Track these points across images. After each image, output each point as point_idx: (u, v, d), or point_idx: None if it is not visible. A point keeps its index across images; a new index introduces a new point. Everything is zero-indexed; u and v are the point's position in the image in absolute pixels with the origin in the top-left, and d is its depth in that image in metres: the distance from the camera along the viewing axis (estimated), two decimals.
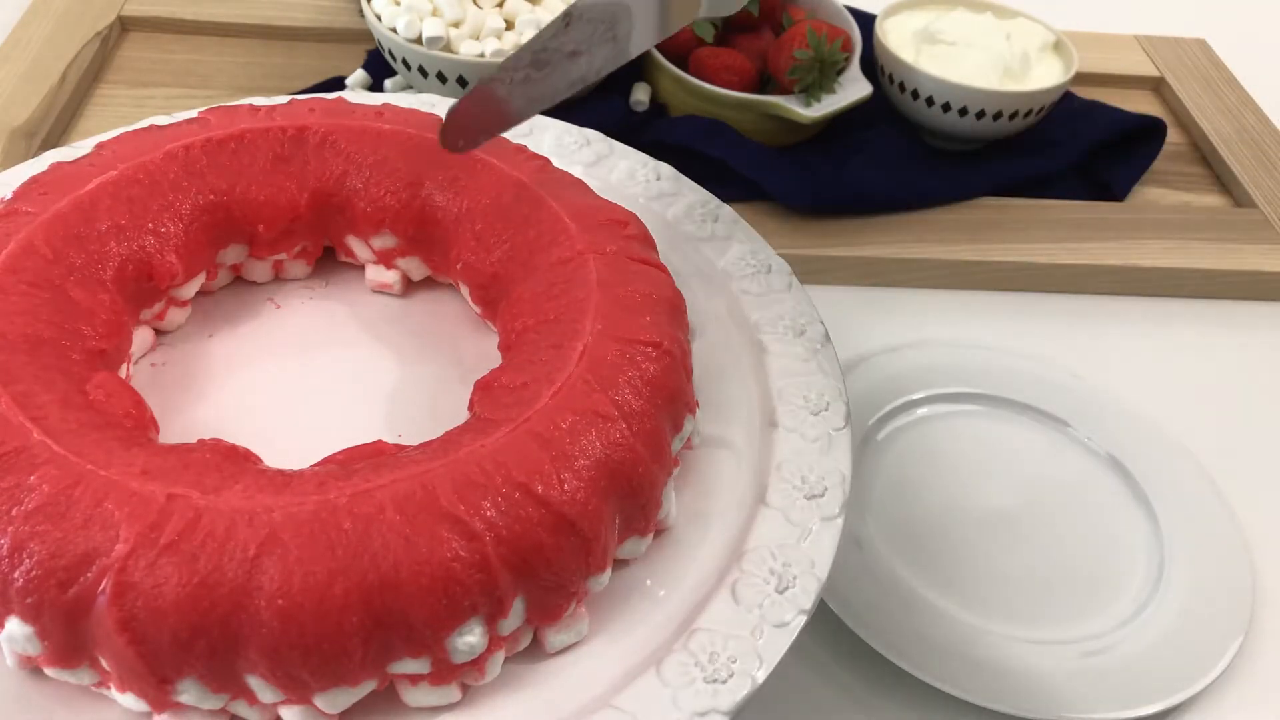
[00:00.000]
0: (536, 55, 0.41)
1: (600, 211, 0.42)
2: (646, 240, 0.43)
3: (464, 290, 0.44)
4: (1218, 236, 0.67)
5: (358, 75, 0.71)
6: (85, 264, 0.39)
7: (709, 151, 0.64)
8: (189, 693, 0.31)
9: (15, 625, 0.31)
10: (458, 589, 0.31)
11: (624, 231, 0.42)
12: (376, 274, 0.46)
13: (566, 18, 0.40)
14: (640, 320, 0.38)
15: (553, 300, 0.39)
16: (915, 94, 0.69)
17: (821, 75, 0.65)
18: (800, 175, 0.65)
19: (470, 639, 0.31)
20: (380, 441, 0.36)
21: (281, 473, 0.33)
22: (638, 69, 0.72)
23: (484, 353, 0.44)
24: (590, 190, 0.44)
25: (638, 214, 0.44)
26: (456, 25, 0.64)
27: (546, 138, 0.52)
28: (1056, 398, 0.57)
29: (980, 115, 0.67)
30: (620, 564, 0.37)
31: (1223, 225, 0.68)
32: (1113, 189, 0.70)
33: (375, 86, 0.70)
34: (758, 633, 0.34)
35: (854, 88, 0.67)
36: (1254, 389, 0.61)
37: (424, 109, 0.51)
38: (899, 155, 0.68)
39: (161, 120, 0.49)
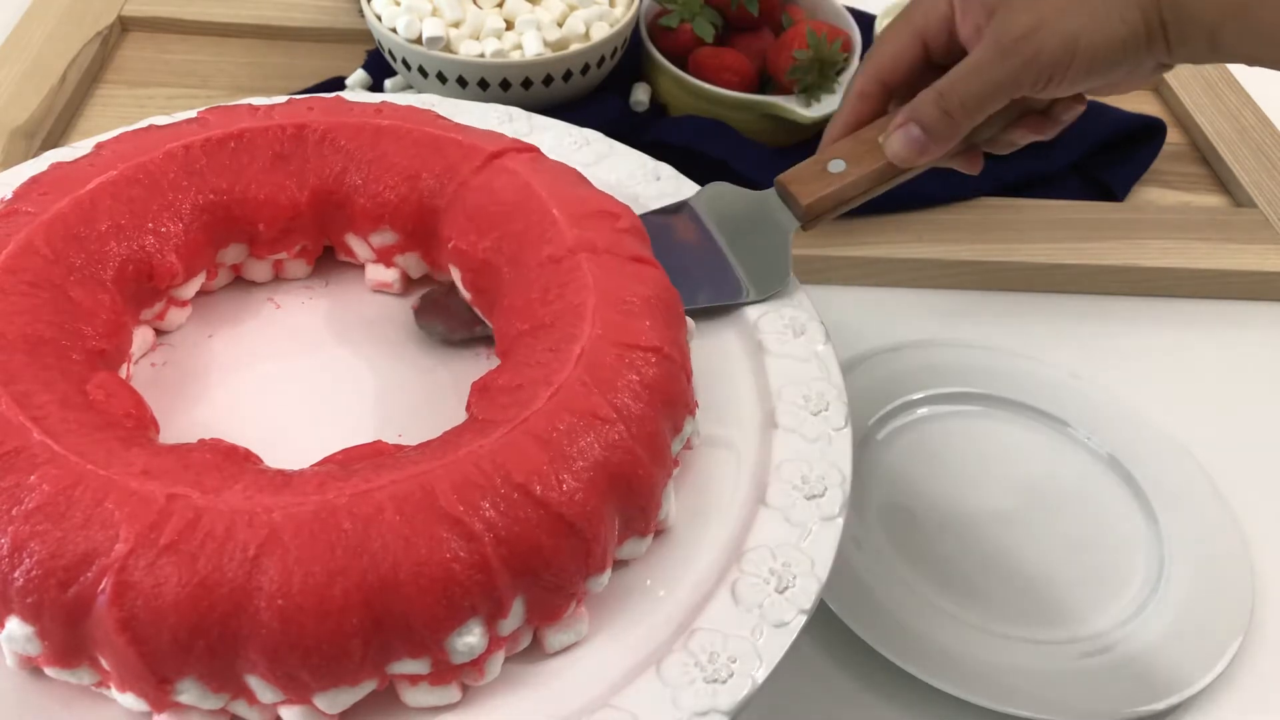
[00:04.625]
0: None
1: (591, 203, 0.42)
2: (639, 234, 0.42)
3: (455, 274, 0.44)
4: (1218, 236, 0.67)
5: (358, 75, 0.71)
6: (85, 264, 0.39)
7: (709, 151, 0.64)
8: (189, 693, 0.31)
9: (15, 625, 0.31)
10: (457, 589, 0.31)
11: (615, 224, 0.41)
12: (376, 273, 0.46)
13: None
14: (639, 325, 0.37)
15: (548, 305, 0.39)
16: None
17: (821, 75, 0.65)
18: None
19: (470, 639, 0.31)
20: (380, 441, 0.36)
21: (281, 473, 0.33)
22: (638, 69, 0.72)
23: (483, 353, 0.44)
24: (583, 180, 0.44)
25: (639, 214, 0.44)
26: (456, 25, 0.64)
27: (546, 137, 0.52)
28: (1056, 398, 0.57)
29: None
30: (620, 564, 0.37)
31: (1223, 225, 0.68)
32: (1113, 189, 0.70)
33: (375, 86, 0.70)
34: (758, 632, 0.34)
35: None
36: (1254, 389, 0.61)
37: (423, 108, 0.51)
38: None
39: (161, 120, 0.49)
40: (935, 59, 0.45)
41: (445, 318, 0.45)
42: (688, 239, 0.46)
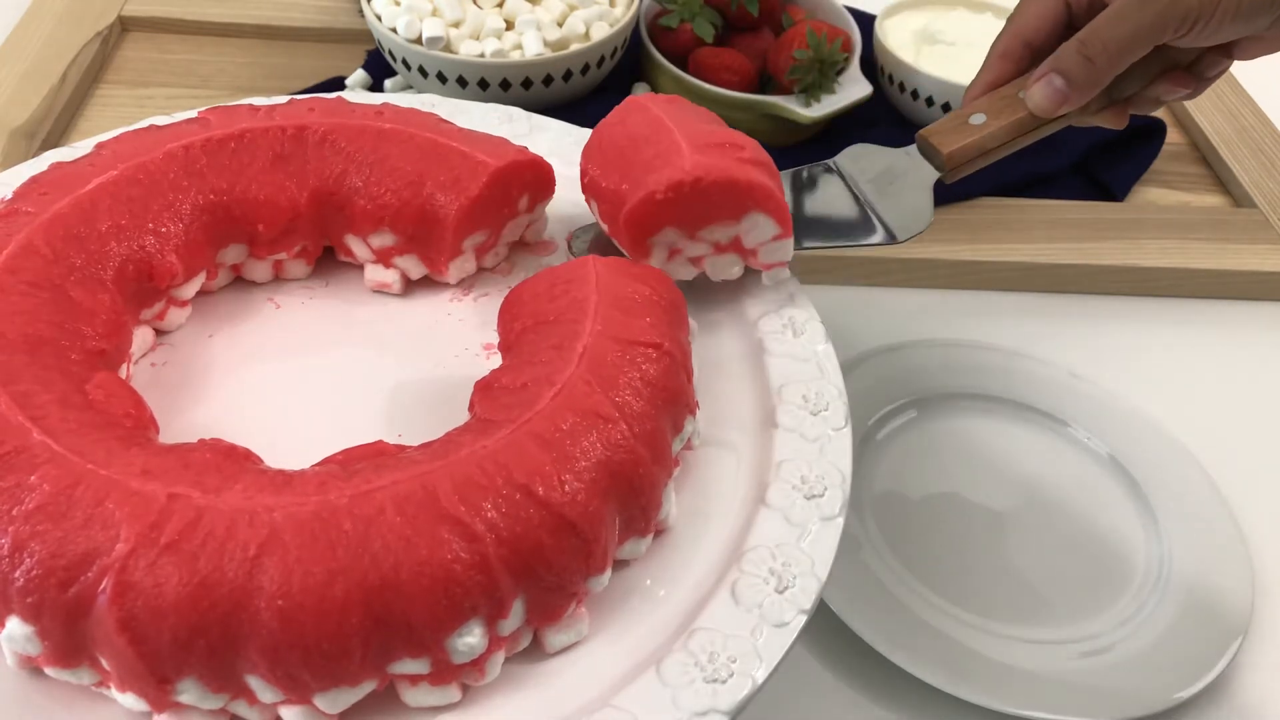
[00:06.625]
0: None
1: (719, 135, 0.43)
2: (766, 167, 0.43)
3: (593, 207, 0.45)
4: (1218, 236, 0.67)
5: (358, 75, 0.71)
6: (85, 264, 0.39)
7: None
8: (189, 693, 0.31)
9: (15, 625, 0.31)
10: (458, 590, 0.31)
11: (740, 154, 0.42)
12: (375, 273, 0.46)
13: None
14: (640, 322, 0.38)
15: (553, 301, 0.39)
16: (915, 94, 0.69)
17: (821, 75, 0.65)
18: None
19: (470, 639, 0.31)
20: (380, 441, 0.36)
21: (282, 473, 0.33)
22: (638, 69, 0.72)
23: (483, 352, 0.44)
24: (718, 120, 0.45)
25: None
26: (456, 25, 0.64)
27: (546, 138, 0.52)
28: (1056, 398, 0.57)
29: None
30: (620, 564, 0.37)
31: (1223, 225, 0.68)
32: (1112, 189, 0.70)
33: (375, 86, 0.70)
34: (757, 632, 0.34)
35: (854, 88, 0.67)
36: (1254, 389, 0.61)
37: (424, 109, 0.51)
38: None
39: (161, 120, 0.49)
40: (1078, 20, 0.45)
41: (596, 247, 0.47)
42: (830, 191, 0.48)
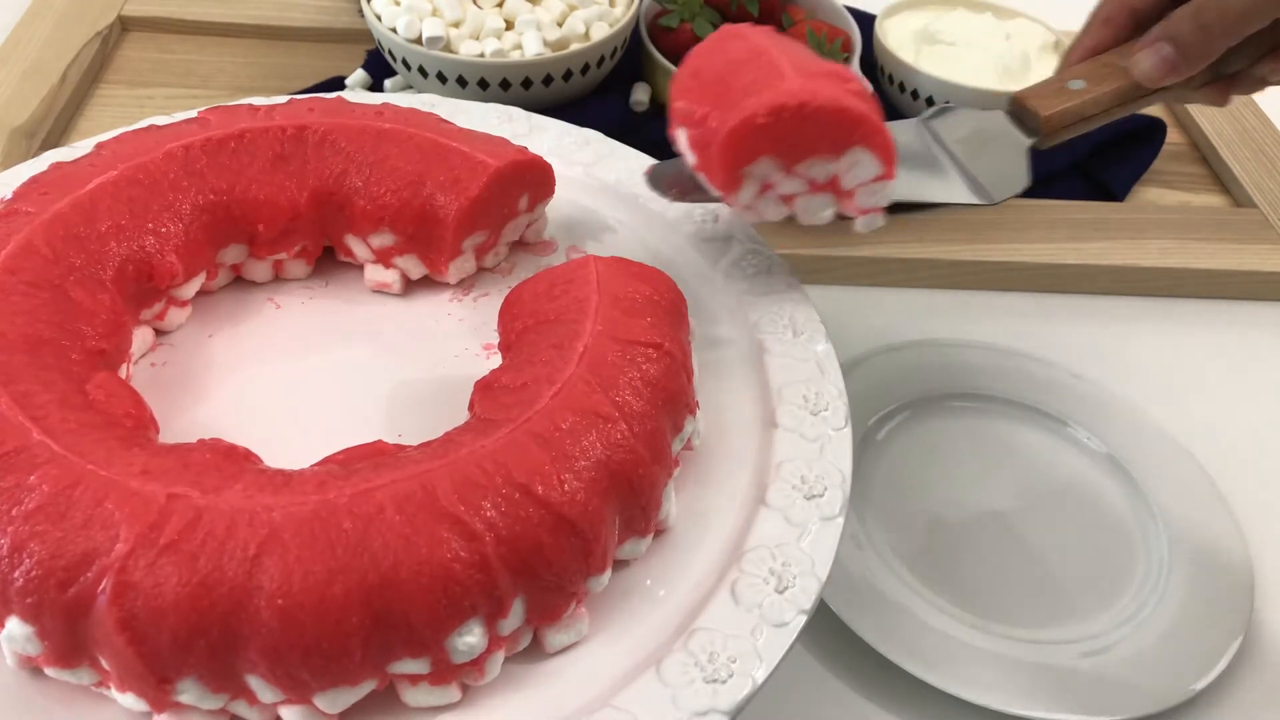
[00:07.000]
0: None
1: (825, 65, 0.42)
2: (868, 99, 0.41)
3: (681, 136, 0.43)
4: (1218, 236, 0.67)
5: (358, 75, 0.71)
6: (85, 264, 0.39)
7: None
8: (189, 693, 0.31)
9: (15, 625, 0.31)
10: (457, 589, 0.31)
11: (846, 85, 0.41)
12: (375, 273, 0.46)
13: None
14: (641, 322, 0.38)
15: (553, 301, 0.39)
16: (915, 94, 0.69)
17: None
18: None
19: (470, 639, 0.31)
20: (380, 441, 0.36)
21: (281, 472, 0.33)
22: (638, 69, 0.72)
23: (483, 352, 0.44)
24: (816, 56, 0.44)
25: (638, 214, 0.44)
26: (456, 25, 0.64)
27: (546, 137, 0.52)
28: (1056, 398, 0.57)
29: None
30: (620, 564, 0.37)
31: (1223, 225, 0.68)
32: (1112, 189, 0.70)
33: (375, 86, 0.70)
34: (757, 633, 0.34)
35: None
36: (1254, 389, 0.61)
37: (424, 109, 0.51)
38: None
39: (161, 120, 0.49)
40: None
41: (677, 184, 0.45)
42: (919, 147, 0.46)
